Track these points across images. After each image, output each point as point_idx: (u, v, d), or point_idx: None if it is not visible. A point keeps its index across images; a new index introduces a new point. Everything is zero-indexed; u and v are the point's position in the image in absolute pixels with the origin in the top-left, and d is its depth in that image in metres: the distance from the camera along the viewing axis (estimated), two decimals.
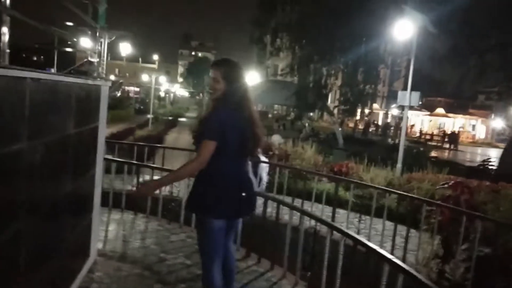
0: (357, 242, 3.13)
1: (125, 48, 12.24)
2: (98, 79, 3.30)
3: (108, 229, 4.80)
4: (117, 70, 72.68)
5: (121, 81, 61.61)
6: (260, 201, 4.57)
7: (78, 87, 2.74)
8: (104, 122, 3.54)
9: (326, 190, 7.27)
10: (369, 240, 6.24)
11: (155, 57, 73.76)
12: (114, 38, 11.01)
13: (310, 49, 18.42)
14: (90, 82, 2.98)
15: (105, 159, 5.11)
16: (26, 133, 1.93)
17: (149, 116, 25.78)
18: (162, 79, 49.97)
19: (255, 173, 9.46)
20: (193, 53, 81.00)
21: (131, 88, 62.71)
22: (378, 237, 6.28)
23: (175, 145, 18.53)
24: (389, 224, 6.40)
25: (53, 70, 15.06)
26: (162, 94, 62.32)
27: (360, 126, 35.98)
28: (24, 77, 1.88)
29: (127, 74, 72.37)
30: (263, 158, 9.77)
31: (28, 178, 2.04)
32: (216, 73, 2.57)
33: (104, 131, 3.57)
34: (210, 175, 2.51)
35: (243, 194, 2.60)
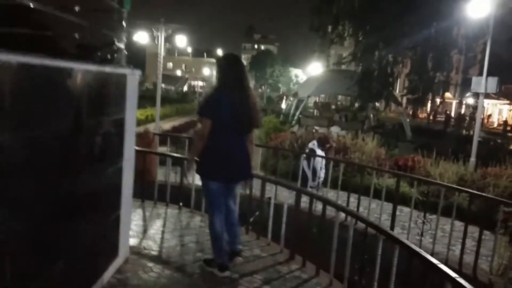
0: (412, 252, 2.61)
1: (181, 41, 12.25)
2: (122, 67, 3.06)
3: (147, 224, 4.65)
4: (183, 66, 74.89)
5: (186, 76, 63.43)
6: (304, 198, 4.18)
7: (90, 74, 2.51)
8: (132, 114, 3.31)
9: (387, 185, 6.63)
10: (434, 243, 5.66)
11: (219, 51, 74.87)
12: (170, 32, 11.06)
13: (375, 35, 17.33)
14: (108, 70, 2.74)
15: (140, 151, 5.10)
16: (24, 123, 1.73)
17: None
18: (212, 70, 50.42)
19: (310, 166, 8.95)
20: (255, 46, 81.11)
21: (197, 83, 64.26)
22: (445, 239, 5.59)
23: None
24: (459, 225, 5.68)
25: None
26: None
27: (432, 117, 33.74)
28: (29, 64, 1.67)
29: (193, 69, 74.25)
30: (319, 151, 9.15)
31: (29, 172, 1.85)
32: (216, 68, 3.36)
33: (132, 123, 3.34)
34: (207, 146, 3.21)
35: (234, 163, 3.28)
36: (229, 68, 3.26)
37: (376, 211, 6.77)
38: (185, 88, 63.24)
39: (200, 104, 3.36)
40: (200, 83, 59.18)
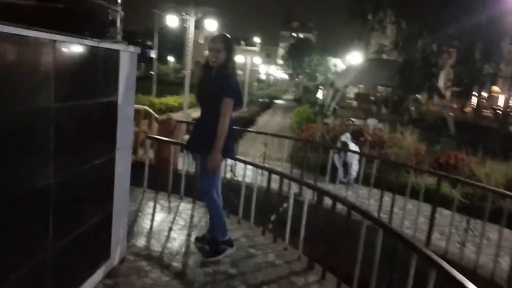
0: (447, 275, 2.05)
1: (211, 25, 11.80)
2: (114, 42, 2.63)
3: (155, 220, 4.27)
4: None
5: None
6: (328, 201, 3.65)
7: (72, 48, 2.10)
8: (128, 97, 2.90)
9: (426, 185, 5.96)
10: (477, 253, 5.00)
11: (257, 39, 74.29)
12: (201, 16, 10.66)
13: (418, 23, 16.22)
14: (94, 43, 2.32)
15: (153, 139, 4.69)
16: None
17: (245, 98, 25.75)
18: (257, 60, 49.83)
19: (344, 161, 8.15)
20: (294, 34, 79.82)
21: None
22: (492, 249, 4.91)
23: (266, 127, 18.20)
24: (508, 232, 4.99)
25: (153, 52, 15.40)
26: (263, 76, 62.78)
27: (477, 111, 31.80)
28: None
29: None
30: (352, 145, 8.37)
31: None
32: (219, 45, 3.25)
33: (129, 107, 2.94)
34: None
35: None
36: (234, 51, 3.39)
37: (413, 212, 6.12)
38: None
39: (228, 87, 3.22)
40: (239, 72, 58.83)
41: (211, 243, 3.49)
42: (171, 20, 11.92)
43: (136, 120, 6.47)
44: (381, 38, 33.95)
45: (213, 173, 3.30)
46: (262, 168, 4.78)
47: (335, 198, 3.45)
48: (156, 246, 3.57)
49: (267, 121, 21.60)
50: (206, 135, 3.21)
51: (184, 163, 5.25)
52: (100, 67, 2.52)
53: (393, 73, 17.03)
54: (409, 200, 5.96)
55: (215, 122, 3.15)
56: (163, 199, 4.97)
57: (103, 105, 2.59)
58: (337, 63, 56.84)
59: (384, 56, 21.92)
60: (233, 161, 4.80)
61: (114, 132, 2.76)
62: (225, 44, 3.25)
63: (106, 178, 2.75)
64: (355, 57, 28.98)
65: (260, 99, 35.64)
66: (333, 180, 7.42)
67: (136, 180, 4.39)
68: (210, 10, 11.26)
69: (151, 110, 6.90)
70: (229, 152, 3.34)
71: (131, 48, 2.83)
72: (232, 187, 4.92)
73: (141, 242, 3.63)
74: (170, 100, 20.69)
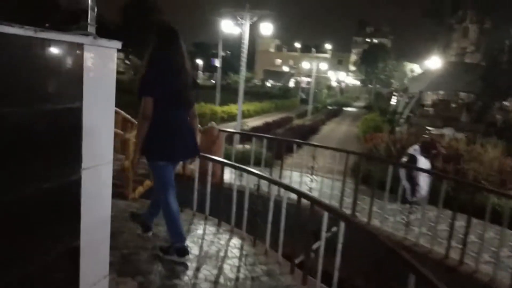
0: None
1: (267, 29, 11.21)
2: (75, 33, 2.06)
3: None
4: (291, 61, 74.49)
5: (292, 72, 62.83)
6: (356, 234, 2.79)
7: (14, 40, 1.54)
8: (104, 103, 2.32)
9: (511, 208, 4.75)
10: None
11: (328, 46, 72.84)
12: (256, 19, 10.11)
13: (504, 21, 14.36)
14: (45, 35, 1.76)
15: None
16: None
17: (309, 105, 24.87)
18: (326, 67, 48.50)
19: (410, 177, 6.94)
20: (367, 39, 76.97)
21: (304, 79, 63.30)
22: None
23: (329, 136, 17.19)
24: None
25: (217, 61, 15.28)
26: (333, 83, 61.29)
27: None
28: None
29: (301, 65, 73.54)
30: (422, 159, 6.95)
31: None
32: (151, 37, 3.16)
33: (104, 115, 2.35)
34: (152, 125, 3.02)
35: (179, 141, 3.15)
36: (167, 43, 3.10)
37: (494, 242, 4.96)
38: (292, 84, 62.66)
39: (143, 84, 3.02)
40: (306, 79, 58.06)
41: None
42: (226, 26, 11.52)
43: None
44: (462, 40, 31.23)
45: (159, 178, 3.24)
46: (279, 184, 3.83)
47: (372, 235, 2.58)
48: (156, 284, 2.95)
49: (332, 129, 20.52)
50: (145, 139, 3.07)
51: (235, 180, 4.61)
52: (48, 65, 1.94)
53: (477, 78, 15.22)
54: (490, 225, 4.82)
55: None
56: (187, 218, 4.37)
57: (54, 113, 2.01)
58: (414, 68, 53.85)
59: (466, 59, 19.87)
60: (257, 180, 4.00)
61: (78, 147, 2.17)
62: (155, 35, 3.13)
63: (64, 206, 2.17)
64: (433, 62, 26.78)
65: (329, 107, 34.50)
66: (403, 199, 6.39)
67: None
68: (266, 13, 10.66)
69: None
70: (169, 154, 3.14)
71: (103, 42, 2.24)
72: (257, 206, 4.17)
73: (135, 279, 3.03)
74: (233, 108, 20.50)
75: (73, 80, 2.10)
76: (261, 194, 4.22)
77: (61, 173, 2.12)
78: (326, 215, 3.08)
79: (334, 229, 3.80)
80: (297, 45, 75.35)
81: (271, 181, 3.69)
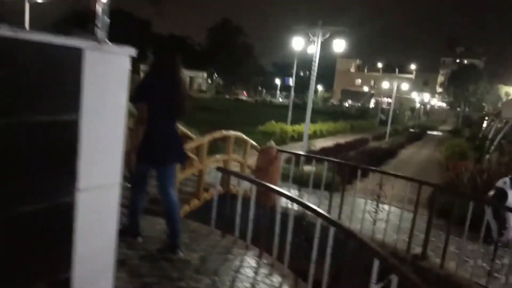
0: None
1: (339, 46, 10.64)
2: (74, 37, 1.82)
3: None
4: (372, 82, 72.29)
5: (372, 92, 60.79)
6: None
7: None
8: (111, 116, 2.06)
9: None
10: None
11: (412, 66, 69.54)
12: (328, 35, 9.70)
13: None
14: (38, 38, 1.55)
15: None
16: None
17: (388, 127, 23.56)
18: (408, 87, 46.01)
19: (497, 214, 5.82)
20: (457, 60, 72.17)
21: (384, 99, 60.90)
22: None
23: (407, 161, 15.93)
24: None
25: (291, 80, 15.07)
26: (417, 105, 58.15)
27: None
28: None
29: (382, 85, 71.02)
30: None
31: None
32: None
33: (111, 129, 2.09)
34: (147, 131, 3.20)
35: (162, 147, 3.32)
36: (164, 55, 3.32)
37: None
38: (372, 105, 60.58)
39: (137, 90, 3.22)
40: (387, 100, 55.66)
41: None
42: (297, 43, 11.18)
43: (226, 147, 5.77)
44: None
45: (136, 176, 3.43)
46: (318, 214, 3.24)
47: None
48: None
49: (412, 154, 19.06)
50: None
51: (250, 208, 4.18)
52: (37, 71, 1.71)
53: None
54: None
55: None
56: (226, 245, 4.00)
57: (42, 125, 1.77)
58: (510, 92, 49.28)
59: None
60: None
61: (72, 165, 1.91)
62: (154, 47, 3.37)
63: (52, 231, 1.91)
64: None
65: (410, 129, 32.53)
66: (488, 240, 5.47)
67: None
68: (339, 29, 10.14)
69: (245, 137, 6.10)
70: (153, 158, 3.34)
71: (110, 48, 1.98)
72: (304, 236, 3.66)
73: None
74: (304, 127, 20.00)
75: (68, 90, 1.84)
76: (310, 223, 3.73)
77: (49, 194, 1.85)
78: (376, 263, 2.51)
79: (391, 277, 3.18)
80: (379, 65, 73.03)
81: (316, 213, 3.19)
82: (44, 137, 1.78)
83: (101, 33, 2.11)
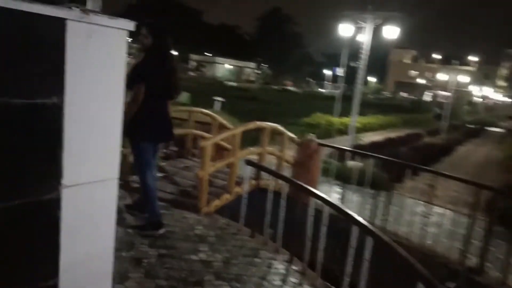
0: None
1: (391, 32, 9.82)
2: (51, 3, 1.53)
3: None
4: (428, 74, 68.82)
5: (428, 84, 57.90)
6: None
7: None
8: (103, 101, 1.76)
9: None
10: None
11: (473, 58, 65.39)
12: (380, 21, 9.03)
13: None
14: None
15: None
16: None
17: (444, 122, 22.15)
18: (467, 80, 43.18)
19: None
20: None
21: (441, 92, 57.80)
22: None
23: (463, 159, 14.77)
24: None
25: (339, 71, 14.46)
26: (476, 99, 54.87)
27: None
28: None
29: (439, 78, 67.37)
30: None
31: None
32: (146, 30, 3.33)
33: (104, 116, 1.80)
34: (142, 110, 3.31)
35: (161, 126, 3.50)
36: (162, 36, 3.39)
37: None
38: (427, 98, 57.70)
39: (138, 71, 3.29)
40: (443, 93, 52.70)
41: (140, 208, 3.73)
42: (345, 30, 10.51)
43: (260, 140, 5.40)
44: None
45: (141, 159, 3.47)
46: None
47: None
48: None
49: (469, 151, 17.73)
50: (130, 123, 3.24)
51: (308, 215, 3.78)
52: (5, 45, 1.43)
53: None
54: None
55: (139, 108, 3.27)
56: (255, 247, 3.65)
57: (16, 109, 1.49)
58: None
59: None
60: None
61: (54, 157, 1.63)
62: (151, 29, 3.33)
63: (33, 233, 1.64)
64: None
65: (468, 125, 30.56)
66: None
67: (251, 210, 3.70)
68: (392, 15, 9.38)
69: (283, 129, 5.69)
70: (157, 137, 3.55)
71: (101, 20, 1.66)
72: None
73: None
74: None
75: (47, 67, 1.56)
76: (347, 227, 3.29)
77: (27, 190, 1.59)
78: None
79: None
80: (436, 56, 69.31)
81: (352, 220, 2.75)
82: (18, 124, 1.51)
83: (91, 1, 1.82)
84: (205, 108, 12.56)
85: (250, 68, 69.01)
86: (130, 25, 1.79)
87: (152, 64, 3.31)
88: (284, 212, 3.58)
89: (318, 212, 3.37)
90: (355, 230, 2.75)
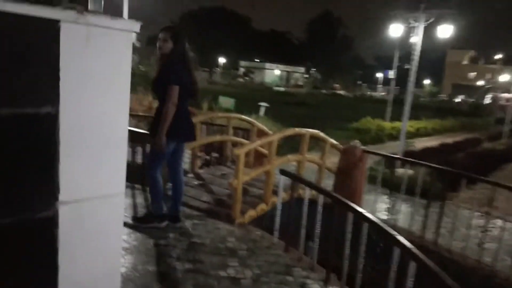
0: None
1: (445, 31, 9.12)
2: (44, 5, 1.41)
3: None
4: (489, 75, 64.88)
5: (488, 86, 54.53)
6: None
7: None
8: (106, 110, 1.63)
9: None
10: None
11: None
12: (432, 19, 8.49)
13: None
14: None
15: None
16: None
17: (506, 127, 20.61)
18: None
19: None
20: None
21: (504, 95, 54.19)
22: None
23: None
24: None
25: (391, 73, 13.84)
26: None
27: None
28: None
29: (500, 79, 63.28)
30: None
31: None
32: (166, 35, 3.44)
33: (106, 126, 1.66)
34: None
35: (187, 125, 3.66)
36: (182, 41, 3.51)
37: None
38: (488, 101, 54.36)
39: (171, 74, 3.43)
40: (506, 95, 49.27)
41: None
42: (395, 30, 9.96)
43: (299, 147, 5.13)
44: None
45: (156, 154, 3.53)
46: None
47: None
48: None
49: None
50: (157, 122, 3.41)
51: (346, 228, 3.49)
52: (11, 49, 1.33)
53: None
54: None
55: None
56: (288, 262, 3.41)
57: (5, 120, 1.38)
58: None
59: None
60: None
61: (50, 172, 1.51)
62: (171, 34, 3.44)
63: (26, 255, 1.52)
64: None
65: None
66: None
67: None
68: (446, 12, 8.75)
69: (324, 135, 5.38)
70: (180, 136, 3.62)
71: (99, 20, 1.53)
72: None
73: None
74: (406, 125, 18.30)
75: (38, 75, 1.44)
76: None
77: (20, 207, 1.47)
78: None
79: None
80: (498, 56, 65.18)
81: (391, 239, 2.43)
82: (8, 135, 1.39)
83: (93, 1, 1.69)
84: (250, 114, 12.51)
85: (299, 73, 68.50)
86: (136, 26, 1.64)
87: (178, 67, 3.44)
88: (320, 225, 3.31)
89: (359, 224, 3.07)
90: (396, 252, 2.43)
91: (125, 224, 3.65)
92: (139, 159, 4.87)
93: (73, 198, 1.57)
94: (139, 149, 4.82)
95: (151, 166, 3.65)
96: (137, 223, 3.69)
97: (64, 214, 1.55)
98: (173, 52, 3.43)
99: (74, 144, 1.55)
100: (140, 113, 9.28)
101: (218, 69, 58.50)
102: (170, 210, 3.81)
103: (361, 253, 2.84)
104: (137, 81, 12.58)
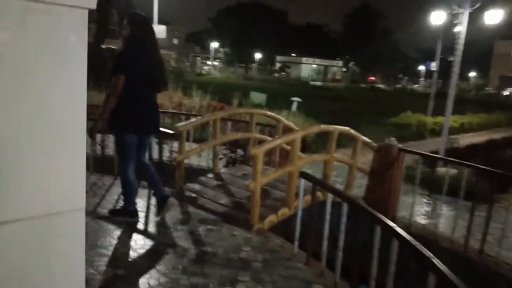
0: None
1: (493, 17, 8.30)
2: None
3: None
4: None
5: None
6: None
7: None
8: (54, 105, 1.32)
9: None
10: None
11: None
12: (479, 4, 7.76)
13: None
14: None
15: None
16: None
17: None
18: None
19: None
20: None
21: None
22: None
23: None
24: None
25: (434, 65, 13.02)
26: None
27: None
28: None
29: None
30: None
31: None
32: (125, 21, 3.37)
33: (52, 122, 1.35)
34: (124, 102, 3.29)
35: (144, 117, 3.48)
36: (141, 26, 3.37)
37: None
38: None
39: (117, 63, 3.30)
40: None
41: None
42: (436, 17, 9.20)
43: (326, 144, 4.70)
44: None
45: (123, 153, 3.52)
46: None
47: None
48: None
49: None
50: (112, 113, 3.28)
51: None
52: None
53: None
54: None
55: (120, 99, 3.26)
56: (308, 277, 3.01)
57: None
58: None
59: None
60: None
61: None
62: (128, 20, 3.34)
63: None
64: None
65: None
66: None
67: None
68: None
69: (355, 132, 4.91)
70: (138, 129, 3.46)
71: None
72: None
73: None
74: (449, 120, 17.22)
75: None
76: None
77: None
78: None
79: None
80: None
81: (427, 261, 1.99)
82: None
83: None
84: (282, 110, 12.08)
85: (336, 67, 67.05)
86: (92, 2, 1.31)
87: (130, 55, 3.27)
88: (343, 237, 2.90)
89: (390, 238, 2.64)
90: (432, 278, 1.98)
91: (102, 217, 3.78)
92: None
93: (16, 217, 1.29)
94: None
95: (122, 166, 3.60)
96: (111, 215, 3.75)
97: (5, 235, 1.28)
98: (125, 39, 3.31)
99: (14, 150, 1.25)
100: (170, 110, 9.12)
101: (254, 64, 58.19)
102: (157, 196, 3.77)
103: (391, 273, 2.40)
104: (171, 77, 12.45)
